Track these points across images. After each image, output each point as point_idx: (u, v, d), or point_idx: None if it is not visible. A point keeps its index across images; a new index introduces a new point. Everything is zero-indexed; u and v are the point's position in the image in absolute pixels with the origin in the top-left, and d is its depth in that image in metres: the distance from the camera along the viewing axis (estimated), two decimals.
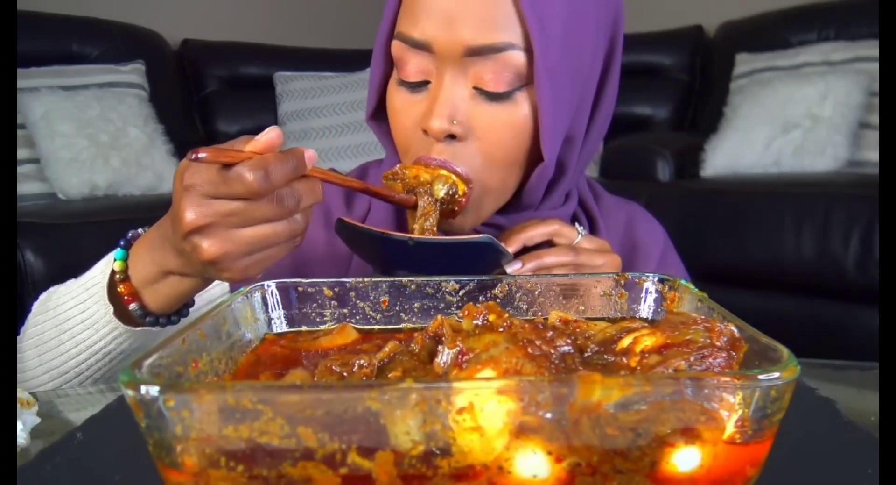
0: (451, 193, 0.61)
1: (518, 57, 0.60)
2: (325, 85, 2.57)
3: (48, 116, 2.02)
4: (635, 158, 2.22)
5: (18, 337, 0.67)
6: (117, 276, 0.59)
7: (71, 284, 0.65)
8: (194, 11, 2.83)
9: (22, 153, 2.03)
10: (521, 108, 0.62)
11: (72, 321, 0.62)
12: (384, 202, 0.68)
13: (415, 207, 0.61)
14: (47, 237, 1.62)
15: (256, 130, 0.55)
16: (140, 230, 0.61)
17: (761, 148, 2.08)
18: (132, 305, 0.59)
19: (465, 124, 0.61)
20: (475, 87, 0.61)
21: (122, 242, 0.60)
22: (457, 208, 0.63)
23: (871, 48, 2.08)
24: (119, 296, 0.59)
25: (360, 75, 2.57)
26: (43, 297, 0.68)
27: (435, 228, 0.61)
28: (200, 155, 0.46)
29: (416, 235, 0.57)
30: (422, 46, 0.61)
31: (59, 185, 2.01)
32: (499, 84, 0.60)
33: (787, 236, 1.69)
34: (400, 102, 0.65)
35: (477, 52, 0.59)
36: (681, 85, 2.64)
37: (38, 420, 0.47)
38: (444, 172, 0.61)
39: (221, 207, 0.48)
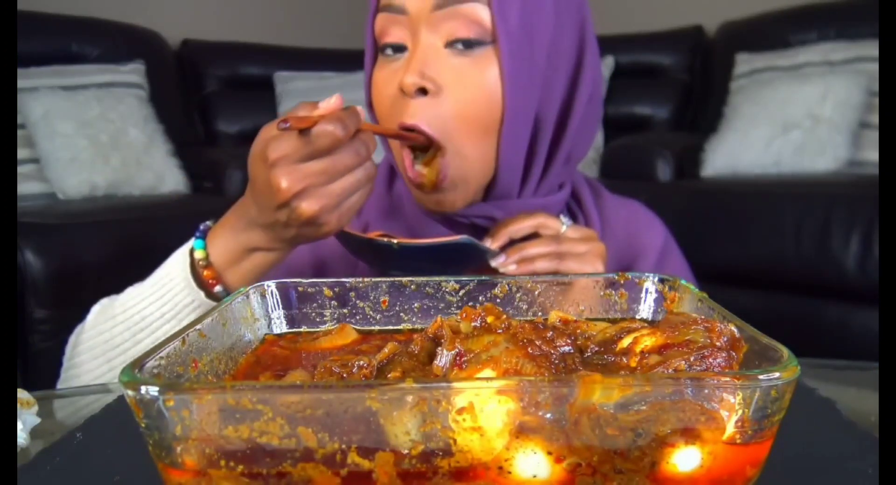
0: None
1: (482, 10, 0.65)
2: (325, 85, 2.57)
3: (48, 116, 2.02)
4: (635, 158, 2.22)
5: (68, 355, 0.69)
6: (200, 262, 0.64)
7: (134, 290, 0.68)
8: (194, 11, 2.83)
9: (22, 153, 2.03)
10: (489, 65, 0.66)
11: (149, 319, 0.66)
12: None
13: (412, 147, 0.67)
14: (47, 237, 1.62)
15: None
16: (209, 222, 0.66)
17: (761, 148, 2.08)
18: (217, 288, 0.64)
19: (437, 80, 0.65)
20: (447, 45, 0.66)
21: (198, 233, 0.65)
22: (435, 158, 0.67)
23: (871, 48, 2.07)
24: (203, 281, 0.64)
25: (360, 75, 2.53)
26: (97, 309, 0.70)
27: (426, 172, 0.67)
28: (284, 125, 0.53)
29: (398, 240, 0.62)
30: (398, 10, 0.67)
31: (59, 185, 2.01)
32: (467, 32, 0.65)
33: (788, 236, 1.68)
34: (380, 75, 0.70)
35: (444, 5, 0.65)
36: (681, 85, 2.64)
37: (38, 420, 0.47)
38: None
39: (311, 168, 0.55)
